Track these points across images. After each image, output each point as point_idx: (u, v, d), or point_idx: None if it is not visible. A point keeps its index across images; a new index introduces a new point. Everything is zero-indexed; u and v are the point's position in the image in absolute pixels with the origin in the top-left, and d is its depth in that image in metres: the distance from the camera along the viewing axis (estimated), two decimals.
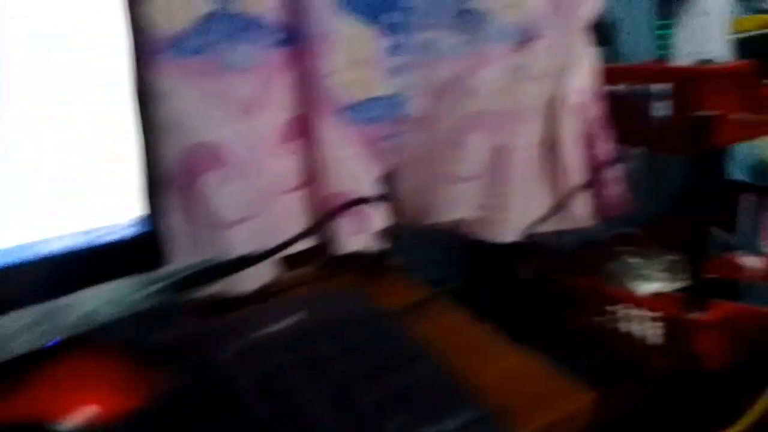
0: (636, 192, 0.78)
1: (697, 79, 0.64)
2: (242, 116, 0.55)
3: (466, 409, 0.40)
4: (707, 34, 0.70)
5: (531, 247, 0.74)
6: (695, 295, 0.69)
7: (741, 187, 1.03)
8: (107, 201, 0.42)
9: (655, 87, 0.68)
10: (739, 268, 0.84)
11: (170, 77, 0.50)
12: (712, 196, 1.01)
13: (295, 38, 0.61)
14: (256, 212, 0.57)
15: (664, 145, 0.70)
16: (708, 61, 0.64)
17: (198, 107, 0.52)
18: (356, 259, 0.64)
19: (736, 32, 0.70)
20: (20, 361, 0.39)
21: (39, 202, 0.39)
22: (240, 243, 0.56)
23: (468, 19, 0.66)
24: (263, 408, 0.39)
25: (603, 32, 0.76)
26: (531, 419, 0.43)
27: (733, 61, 0.65)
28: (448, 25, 0.67)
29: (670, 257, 0.93)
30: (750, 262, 0.84)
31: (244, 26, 0.59)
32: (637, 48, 0.87)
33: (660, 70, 0.68)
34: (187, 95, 0.51)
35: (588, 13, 0.73)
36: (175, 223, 0.54)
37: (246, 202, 0.56)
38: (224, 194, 0.55)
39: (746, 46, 0.73)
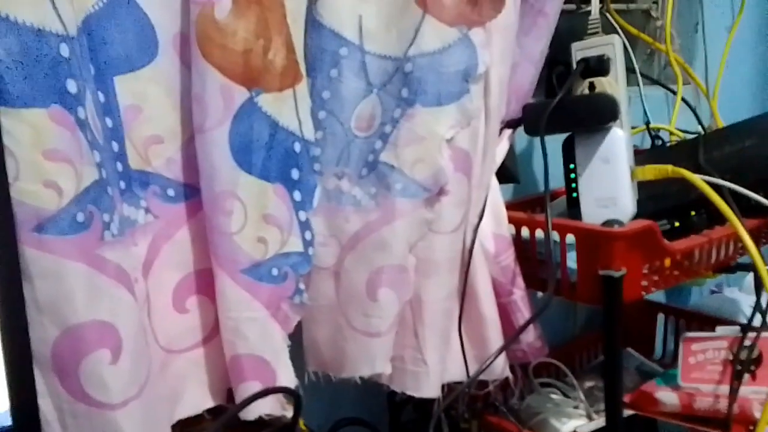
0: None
1: (603, 239, 0.65)
2: (131, 283, 0.52)
3: None
4: (611, 182, 0.72)
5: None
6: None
7: (657, 307, 1.06)
8: None
9: (561, 238, 0.69)
10: (657, 403, 0.84)
11: (47, 256, 0.47)
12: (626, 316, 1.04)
13: (195, 195, 0.60)
14: (148, 386, 0.53)
15: (574, 296, 0.70)
16: (614, 222, 0.65)
17: (80, 284, 0.48)
18: (263, 424, 0.61)
19: (637, 180, 0.72)
20: None
21: None
22: (130, 422, 0.52)
23: (378, 172, 0.66)
24: None
25: (514, 174, 0.78)
26: None
27: (637, 222, 0.66)
28: (356, 176, 0.66)
29: (588, 384, 0.93)
30: (667, 398, 0.83)
31: (142, 183, 0.58)
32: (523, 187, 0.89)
33: (566, 226, 0.69)
34: (66, 273, 0.48)
35: (497, 158, 0.75)
36: (58, 408, 0.50)
37: (136, 379, 0.52)
38: (111, 373, 0.51)
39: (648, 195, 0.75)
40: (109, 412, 0.50)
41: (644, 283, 0.68)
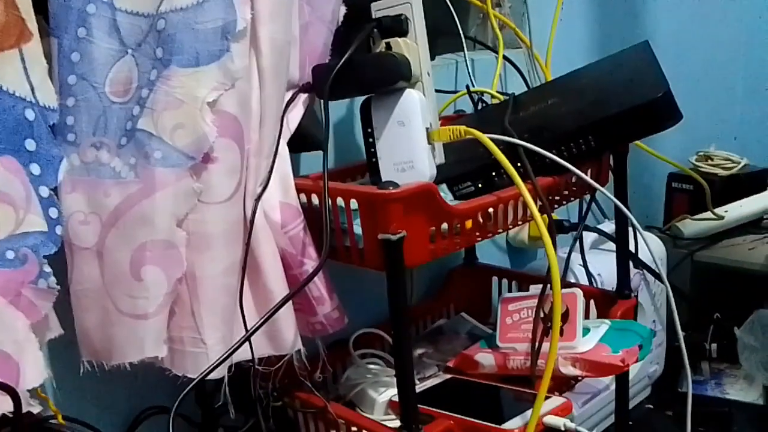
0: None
1: (379, 202, 0.62)
2: None
3: None
4: (408, 144, 0.70)
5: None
6: (410, 413, 0.66)
7: (492, 271, 1.06)
8: None
9: (349, 203, 0.66)
10: (476, 365, 0.84)
11: None
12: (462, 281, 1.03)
13: None
14: None
15: (362, 263, 0.67)
16: (390, 184, 0.62)
17: None
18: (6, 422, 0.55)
19: (433, 142, 0.70)
20: None
21: None
22: None
23: (137, 141, 0.60)
24: None
25: (308, 140, 0.74)
26: None
27: (413, 184, 0.64)
28: (115, 146, 0.61)
29: (418, 351, 0.92)
30: (485, 359, 0.83)
31: None
32: (346, 155, 0.87)
33: (347, 191, 0.66)
34: None
35: (290, 124, 0.71)
36: None
37: None
38: None
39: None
40: None
41: (431, 246, 0.66)
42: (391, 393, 0.78)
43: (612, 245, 0.96)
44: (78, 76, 0.60)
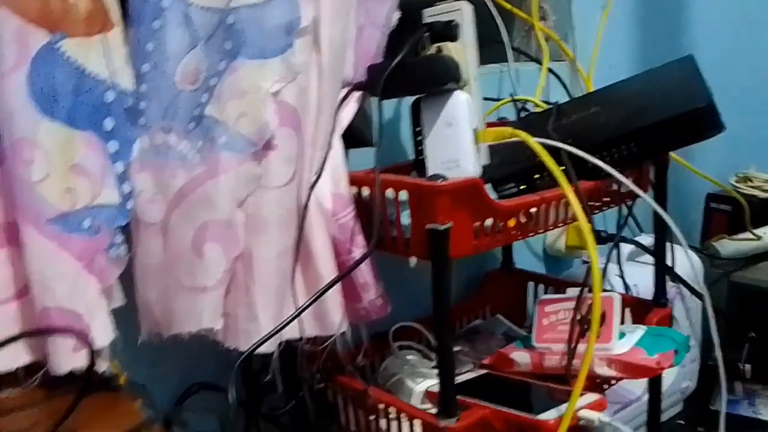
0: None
1: (428, 194, 0.65)
2: None
3: None
4: (454, 144, 0.73)
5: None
6: (449, 399, 0.69)
7: (528, 276, 1.08)
8: None
9: (398, 195, 0.69)
10: (512, 363, 0.86)
11: None
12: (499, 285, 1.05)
13: None
14: None
15: (408, 252, 0.70)
16: (439, 176, 0.65)
17: None
18: (74, 379, 0.59)
19: (480, 143, 0.73)
20: None
21: None
22: None
23: (203, 126, 0.65)
24: None
25: (358, 137, 0.78)
26: None
27: (461, 178, 0.67)
28: (183, 131, 0.65)
29: (456, 348, 0.94)
30: (521, 358, 0.85)
31: None
32: (392, 155, 0.90)
33: (398, 182, 0.69)
34: None
35: (343, 120, 0.75)
36: None
37: None
38: None
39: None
40: None
41: (474, 241, 0.68)
42: (428, 383, 0.81)
43: (647, 258, 0.97)
44: (151, 65, 0.65)
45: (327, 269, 0.70)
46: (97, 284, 0.61)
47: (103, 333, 0.60)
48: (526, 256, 1.16)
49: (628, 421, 1.06)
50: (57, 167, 0.57)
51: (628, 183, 0.78)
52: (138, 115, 0.65)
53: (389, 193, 0.69)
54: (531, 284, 1.05)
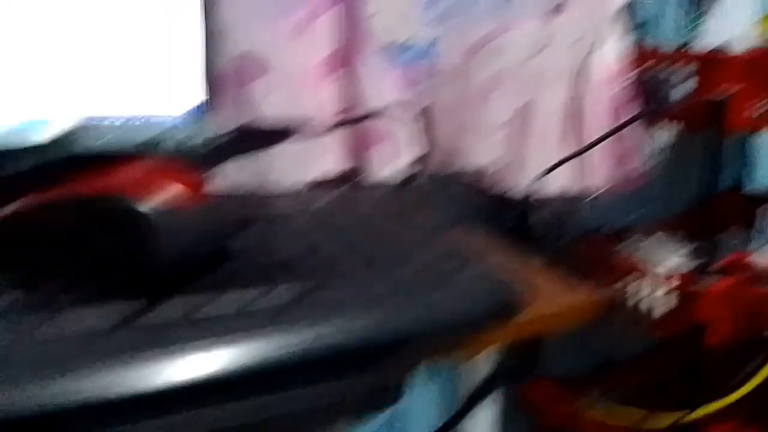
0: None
1: (716, 64, 0.67)
2: (290, 38, 0.65)
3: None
4: (734, 27, 0.74)
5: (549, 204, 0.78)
6: (705, 268, 0.71)
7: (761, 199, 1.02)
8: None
9: (678, 70, 0.73)
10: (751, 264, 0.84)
11: None
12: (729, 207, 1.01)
13: None
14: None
15: (685, 126, 0.73)
16: (725, 49, 0.68)
17: (249, 18, 0.61)
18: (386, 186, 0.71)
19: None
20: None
21: None
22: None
23: None
24: None
25: (633, 14, 0.82)
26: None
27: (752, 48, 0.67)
28: None
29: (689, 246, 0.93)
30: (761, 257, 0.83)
31: None
32: (668, 33, 0.91)
33: (681, 55, 0.72)
34: (238, 5, 0.60)
35: None
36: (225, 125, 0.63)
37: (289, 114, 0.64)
38: (270, 102, 0.63)
39: None
40: None
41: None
42: (673, 262, 0.81)
43: None
44: None
45: (597, 130, 0.76)
46: (409, 111, 0.72)
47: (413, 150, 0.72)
48: None
49: None
50: (387, 6, 0.69)
51: None
52: None
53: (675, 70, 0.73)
54: None
